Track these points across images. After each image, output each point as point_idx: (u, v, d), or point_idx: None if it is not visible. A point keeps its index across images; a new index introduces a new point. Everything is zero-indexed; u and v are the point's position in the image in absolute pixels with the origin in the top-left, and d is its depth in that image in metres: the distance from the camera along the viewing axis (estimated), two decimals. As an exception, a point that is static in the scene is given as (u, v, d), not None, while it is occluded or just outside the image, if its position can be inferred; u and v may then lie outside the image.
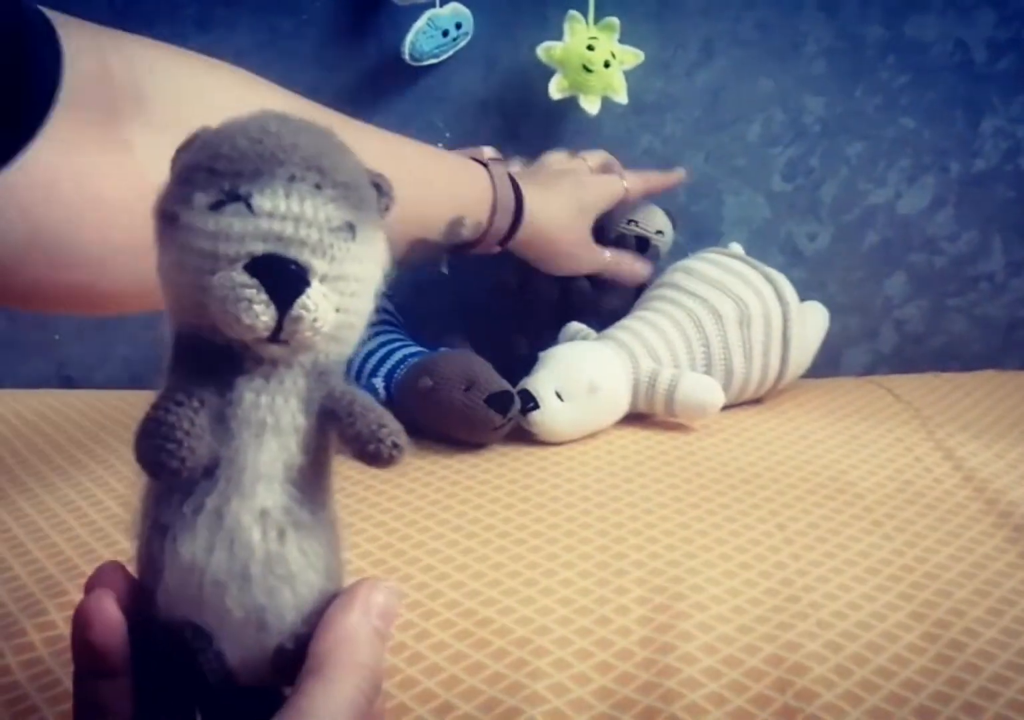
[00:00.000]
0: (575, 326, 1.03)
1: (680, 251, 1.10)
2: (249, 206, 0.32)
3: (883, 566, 0.65)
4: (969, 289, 1.20)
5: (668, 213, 1.11)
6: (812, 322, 1.08)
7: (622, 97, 1.08)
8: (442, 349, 0.97)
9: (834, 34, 1.12)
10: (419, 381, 0.86)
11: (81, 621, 0.36)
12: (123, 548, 0.71)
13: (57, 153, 0.50)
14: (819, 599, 0.60)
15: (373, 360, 0.94)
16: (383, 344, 0.96)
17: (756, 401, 1.06)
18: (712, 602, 0.60)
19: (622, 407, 0.95)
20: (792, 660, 0.53)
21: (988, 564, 0.65)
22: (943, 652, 0.54)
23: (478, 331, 1.11)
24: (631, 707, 0.50)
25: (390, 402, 0.89)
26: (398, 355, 0.94)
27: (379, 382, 0.91)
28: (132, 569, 0.38)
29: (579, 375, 0.92)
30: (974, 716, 0.48)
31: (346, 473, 0.85)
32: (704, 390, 0.94)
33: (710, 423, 0.98)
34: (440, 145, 1.14)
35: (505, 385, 0.87)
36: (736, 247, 1.10)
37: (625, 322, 1.01)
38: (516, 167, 1.04)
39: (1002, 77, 1.13)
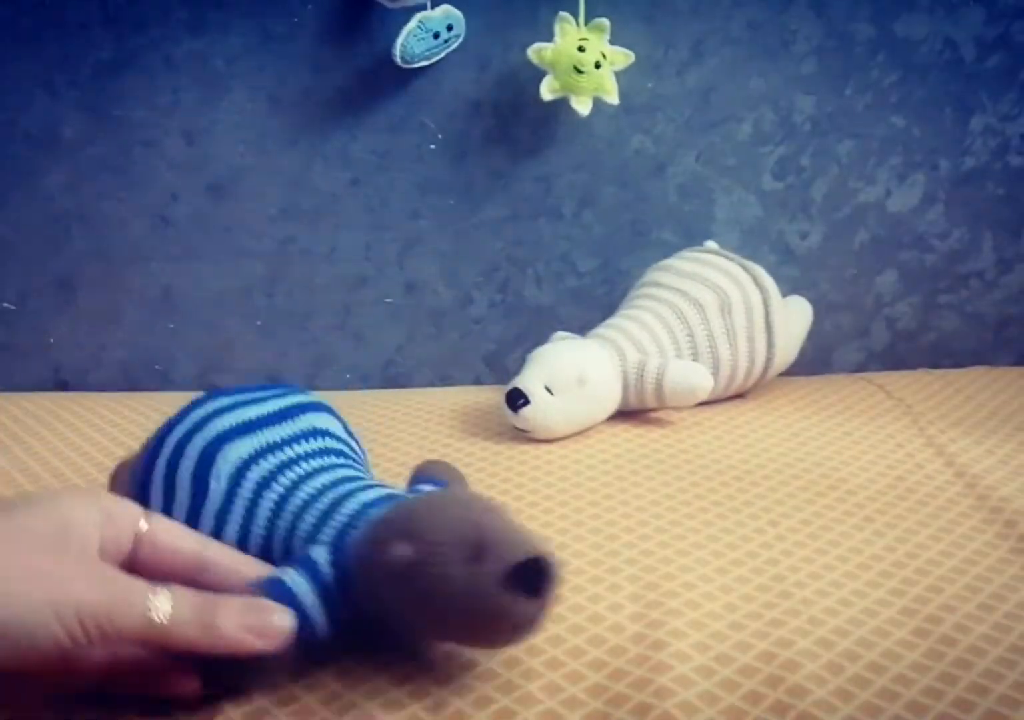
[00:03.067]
0: (561, 333, 1.05)
1: (672, 252, 1.11)
2: None
3: (874, 562, 0.66)
4: (960, 286, 1.20)
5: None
6: (795, 314, 1.10)
7: (613, 98, 1.08)
8: (422, 488, 0.60)
9: (824, 33, 1.12)
10: (391, 549, 0.49)
11: None
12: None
13: None
14: (811, 595, 0.61)
15: (311, 516, 0.54)
16: (326, 488, 0.56)
17: (747, 398, 1.07)
18: (704, 599, 0.61)
19: (613, 399, 0.96)
20: (784, 657, 0.53)
21: (979, 560, 0.66)
22: (934, 648, 0.54)
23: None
24: (624, 703, 0.50)
25: (342, 583, 0.51)
26: (351, 505, 0.54)
27: (321, 553, 0.52)
28: None
29: (567, 368, 0.92)
30: (965, 711, 0.48)
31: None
32: (692, 374, 0.95)
33: (702, 420, 0.98)
34: (432, 147, 1.15)
35: (535, 547, 0.49)
36: (711, 244, 1.12)
37: (609, 321, 1.02)
38: None
39: (991, 75, 1.14)
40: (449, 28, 1.07)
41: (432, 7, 1.06)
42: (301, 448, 0.58)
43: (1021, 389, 1.09)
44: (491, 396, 1.08)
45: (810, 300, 1.14)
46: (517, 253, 1.18)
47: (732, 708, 0.49)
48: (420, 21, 1.05)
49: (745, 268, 1.03)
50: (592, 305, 1.18)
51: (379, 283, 1.19)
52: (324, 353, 1.21)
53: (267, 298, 1.19)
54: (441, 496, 0.54)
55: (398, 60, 1.06)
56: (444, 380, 1.22)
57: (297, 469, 0.57)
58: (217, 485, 0.56)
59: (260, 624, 0.46)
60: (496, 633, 0.50)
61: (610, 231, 1.18)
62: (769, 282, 1.03)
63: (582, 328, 1.05)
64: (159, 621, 0.43)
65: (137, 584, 0.44)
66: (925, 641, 0.55)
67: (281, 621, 0.47)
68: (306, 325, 1.20)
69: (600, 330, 1.01)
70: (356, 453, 0.64)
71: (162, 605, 0.43)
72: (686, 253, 1.08)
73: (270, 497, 0.55)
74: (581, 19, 1.06)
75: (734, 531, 0.71)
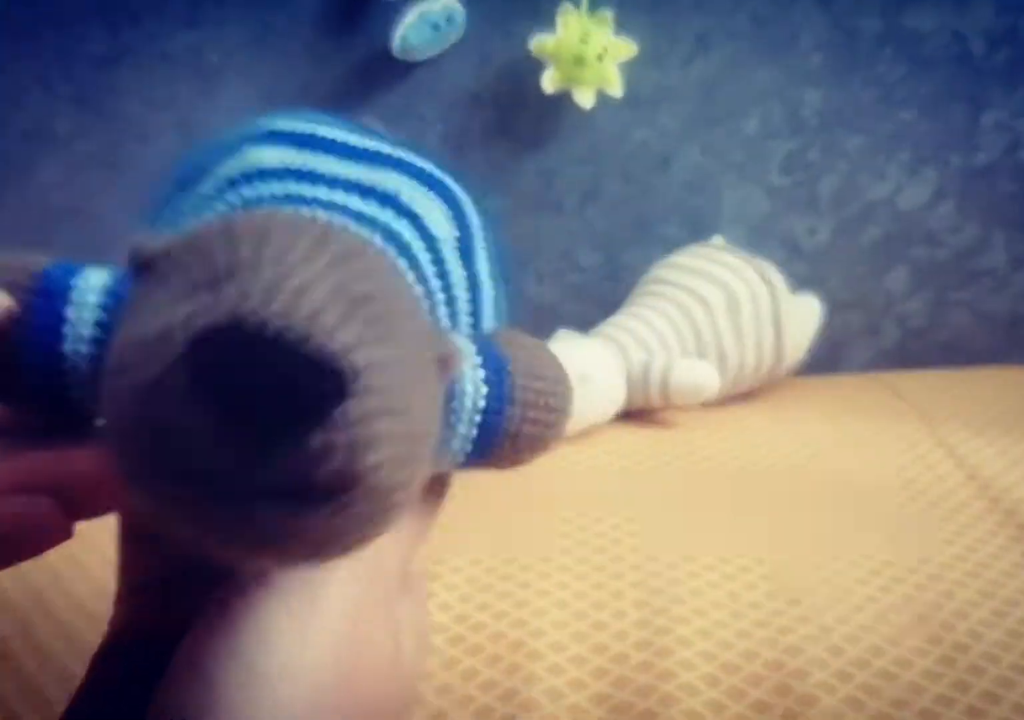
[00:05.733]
0: (563, 331, 1.04)
1: (677, 247, 1.09)
2: None
3: (885, 567, 0.64)
4: (971, 283, 1.18)
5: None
6: (804, 312, 1.08)
7: (616, 90, 1.07)
8: None
9: (830, 26, 1.11)
10: None
11: None
12: (110, 555, 0.70)
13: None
14: (820, 601, 0.59)
15: None
16: None
17: (755, 398, 1.05)
18: (711, 606, 0.59)
19: (617, 398, 0.95)
20: (793, 665, 0.52)
21: (992, 564, 0.64)
22: (947, 654, 0.53)
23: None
24: (628, 711, 0.49)
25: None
26: None
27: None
28: None
29: (569, 367, 0.91)
30: (978, 720, 0.47)
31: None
32: (698, 373, 0.94)
33: (708, 421, 0.97)
34: (431, 140, 1.13)
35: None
36: (718, 239, 1.10)
37: (612, 319, 1.01)
38: None
39: (1001, 69, 1.12)
40: (449, 20, 1.06)
41: (432, -1, 1.05)
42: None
43: (1033, 388, 1.08)
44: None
45: (819, 298, 1.12)
46: (518, 248, 1.16)
47: (739, 717, 0.48)
48: (420, 13, 1.04)
49: (753, 265, 1.02)
50: (595, 302, 1.16)
51: (379, 280, 1.18)
52: (323, 351, 1.20)
53: (265, 295, 1.18)
54: None
55: (397, 53, 1.05)
56: (445, 378, 1.21)
57: None
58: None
59: None
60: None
61: (613, 226, 1.16)
62: (777, 279, 1.02)
63: (585, 326, 1.03)
64: None
65: None
66: (937, 648, 0.54)
67: None
68: (305, 323, 1.19)
69: (604, 328, 1.00)
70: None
71: None
72: (693, 249, 1.07)
73: None
74: (584, 10, 1.04)
75: (741, 535, 0.70)
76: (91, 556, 0.68)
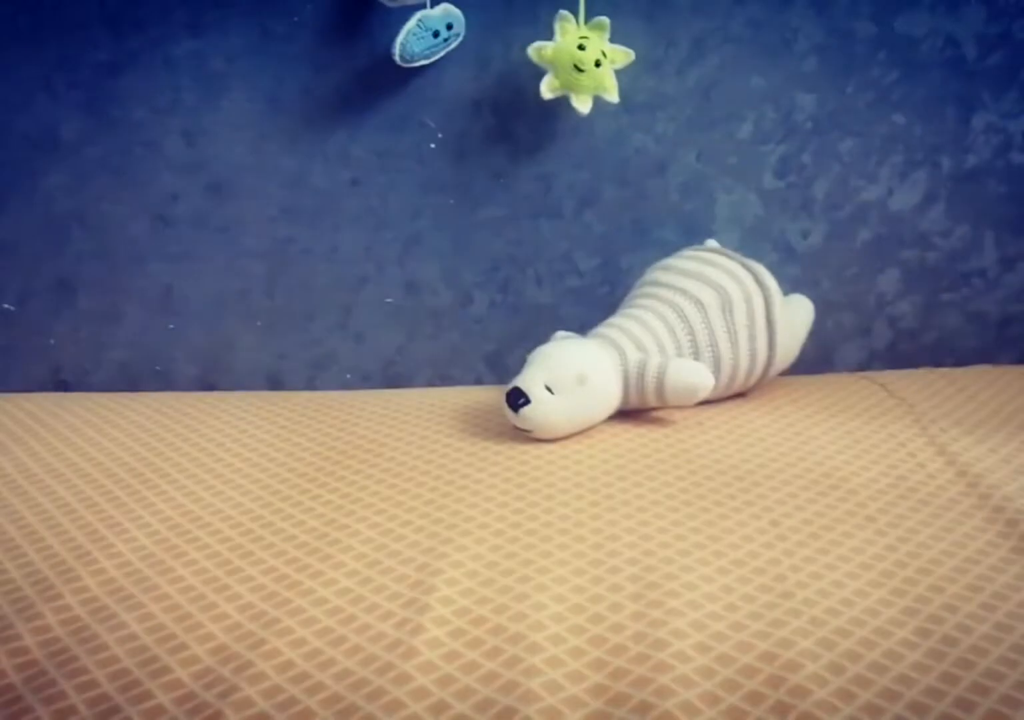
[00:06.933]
0: (562, 333, 1.05)
1: (673, 251, 1.10)
2: None
3: (876, 562, 0.65)
4: (962, 285, 1.20)
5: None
6: (797, 313, 1.09)
7: (613, 96, 1.08)
8: None
9: (825, 31, 1.12)
10: None
11: None
12: (117, 550, 0.71)
13: None
14: (812, 596, 0.60)
15: None
16: None
17: (748, 397, 1.06)
18: (705, 599, 0.60)
19: (613, 398, 0.96)
20: (785, 657, 0.53)
21: (981, 559, 0.65)
22: (936, 647, 0.54)
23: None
24: (625, 702, 0.50)
25: None
26: None
27: None
28: None
29: (567, 367, 0.93)
30: (967, 711, 0.48)
31: (340, 473, 0.85)
32: (692, 373, 0.95)
33: (703, 420, 0.98)
34: (432, 146, 1.14)
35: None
36: (712, 243, 1.11)
37: (609, 320, 1.02)
38: None
39: (992, 73, 1.13)
40: (449, 27, 1.07)
41: (432, 6, 1.05)
42: None
43: (1023, 388, 1.09)
44: (492, 396, 1.08)
45: (812, 299, 1.13)
46: (517, 252, 1.17)
47: (733, 708, 0.49)
48: (420, 20, 1.05)
49: (746, 267, 1.03)
50: (593, 304, 1.17)
51: (379, 283, 1.19)
52: (325, 353, 1.21)
53: (267, 298, 1.19)
54: None
55: (398, 59, 1.06)
56: (444, 380, 1.22)
57: None
58: None
59: None
60: None
61: (611, 230, 1.17)
62: (770, 281, 1.03)
63: (583, 327, 1.05)
64: None
65: None
66: (927, 641, 0.55)
67: None
68: (306, 325, 1.20)
69: (601, 329, 1.00)
70: None
71: None
72: (687, 252, 1.08)
73: None
74: (581, 17, 1.05)
75: (735, 531, 0.71)
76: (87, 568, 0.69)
